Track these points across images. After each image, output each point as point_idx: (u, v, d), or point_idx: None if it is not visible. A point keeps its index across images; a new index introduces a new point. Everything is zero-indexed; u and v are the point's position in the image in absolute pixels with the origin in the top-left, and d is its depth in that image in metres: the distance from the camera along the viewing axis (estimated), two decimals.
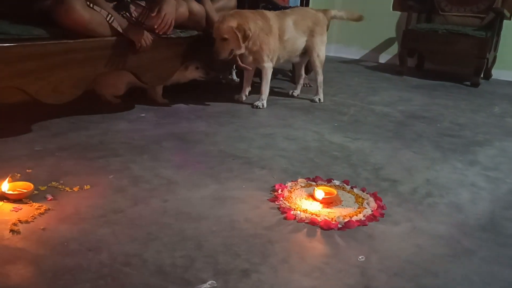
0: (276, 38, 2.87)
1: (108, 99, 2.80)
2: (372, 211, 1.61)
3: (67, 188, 1.64)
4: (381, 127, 2.67)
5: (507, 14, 4.19)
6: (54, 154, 1.96)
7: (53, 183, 1.67)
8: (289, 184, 1.79)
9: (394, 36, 5.15)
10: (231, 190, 1.72)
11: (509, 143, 2.52)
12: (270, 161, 2.03)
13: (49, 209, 1.49)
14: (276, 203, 1.63)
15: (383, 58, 5.27)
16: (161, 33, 2.40)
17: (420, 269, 1.30)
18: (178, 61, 2.67)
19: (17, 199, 1.53)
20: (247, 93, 3.03)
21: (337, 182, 1.83)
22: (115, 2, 2.36)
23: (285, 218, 1.53)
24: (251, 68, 2.95)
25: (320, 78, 3.19)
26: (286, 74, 4.16)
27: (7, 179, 1.56)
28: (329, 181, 1.85)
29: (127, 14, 2.34)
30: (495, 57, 4.50)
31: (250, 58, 2.85)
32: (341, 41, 5.46)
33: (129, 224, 1.43)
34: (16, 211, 1.46)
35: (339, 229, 1.49)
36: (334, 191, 1.69)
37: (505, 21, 4.27)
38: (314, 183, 1.81)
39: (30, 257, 1.24)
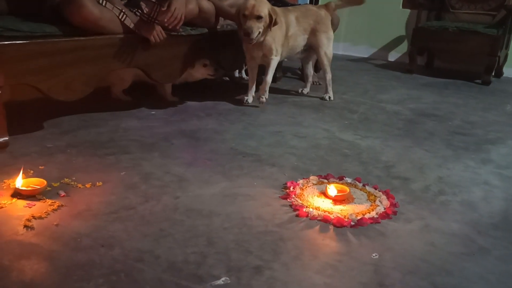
0: (283, 33, 2.84)
1: (118, 96, 2.81)
2: (384, 208, 1.60)
3: (79, 185, 1.64)
4: (391, 125, 2.65)
5: None
6: (65, 151, 1.97)
7: (66, 179, 1.68)
8: (301, 181, 1.78)
9: (403, 34, 5.12)
10: (242, 187, 1.72)
11: None
12: (281, 159, 2.03)
13: (62, 205, 1.49)
14: (288, 200, 1.63)
15: (392, 56, 5.23)
16: (170, 27, 2.39)
17: (434, 268, 1.28)
18: (188, 59, 2.67)
19: (31, 195, 1.54)
20: (254, 94, 2.96)
21: (349, 180, 1.82)
22: (126, 0, 2.37)
23: (297, 216, 1.53)
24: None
25: (329, 76, 3.16)
26: (295, 73, 4.15)
27: (20, 174, 1.57)
28: (341, 178, 1.83)
29: (139, 11, 2.34)
30: (506, 55, 4.45)
31: (260, 53, 2.80)
32: (349, 40, 5.43)
33: (141, 221, 1.44)
34: (30, 207, 1.47)
35: (351, 226, 1.48)
36: (347, 188, 1.68)
37: None
38: (325, 181, 1.80)
39: (44, 252, 1.25)
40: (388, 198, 1.68)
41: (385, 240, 1.42)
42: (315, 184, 1.77)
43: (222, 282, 1.16)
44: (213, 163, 1.94)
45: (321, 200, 1.64)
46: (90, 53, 2.13)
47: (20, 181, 1.56)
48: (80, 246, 1.28)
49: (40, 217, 1.41)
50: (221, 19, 2.89)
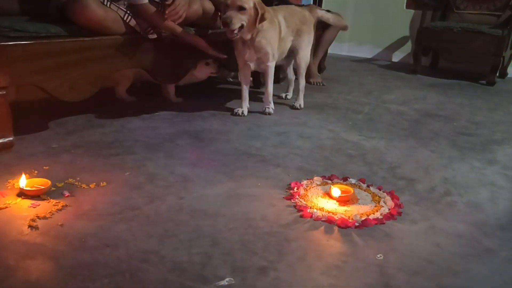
0: (278, 35, 2.63)
1: (122, 96, 2.82)
2: (389, 209, 1.59)
3: (83, 185, 1.65)
4: (396, 126, 2.64)
5: None
6: (70, 151, 1.97)
7: (70, 179, 1.68)
8: (305, 182, 1.77)
9: (407, 35, 5.11)
10: (246, 188, 1.71)
11: None
12: (285, 159, 2.02)
13: (66, 206, 1.49)
14: (292, 201, 1.62)
15: (397, 57, 5.22)
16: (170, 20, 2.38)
17: (440, 269, 1.28)
18: (192, 60, 2.67)
19: (35, 195, 1.54)
20: (248, 104, 2.72)
21: (353, 181, 1.82)
22: None
23: (301, 216, 1.52)
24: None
25: (303, 82, 2.94)
26: None
27: (23, 176, 1.57)
28: (345, 179, 1.83)
29: None
30: (511, 55, 4.43)
31: (254, 57, 2.57)
32: (354, 40, 5.43)
33: (145, 221, 1.43)
34: (34, 207, 1.48)
35: (356, 227, 1.47)
36: (351, 189, 1.67)
37: None
38: (330, 181, 1.80)
39: (49, 252, 1.25)
40: (392, 199, 1.67)
41: (390, 241, 1.41)
42: (319, 185, 1.77)
43: (227, 283, 1.16)
44: (218, 163, 1.94)
45: (325, 201, 1.63)
46: (95, 54, 2.13)
47: (24, 181, 1.56)
48: (85, 246, 1.28)
49: (44, 217, 1.42)
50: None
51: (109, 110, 2.58)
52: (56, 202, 1.51)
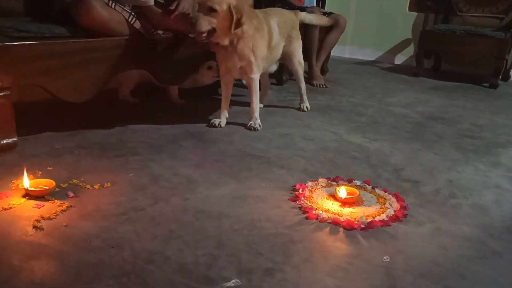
0: (266, 44, 2.42)
1: (125, 98, 2.82)
2: (395, 211, 1.58)
3: (88, 186, 1.64)
4: (399, 128, 2.64)
5: None
6: (73, 152, 1.97)
7: (74, 180, 1.67)
8: (310, 183, 1.77)
9: (410, 37, 5.10)
10: (251, 189, 1.71)
11: None
12: (289, 161, 2.02)
13: (71, 206, 1.49)
14: (297, 202, 1.62)
15: (399, 60, 5.22)
16: (175, 26, 2.33)
17: (446, 271, 1.27)
18: (195, 62, 2.67)
19: (39, 196, 1.54)
20: (227, 115, 2.53)
21: (358, 182, 1.81)
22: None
23: (306, 218, 1.52)
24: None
25: (303, 85, 2.87)
26: None
27: (25, 174, 1.57)
28: (350, 181, 1.82)
29: None
30: None
31: (237, 65, 2.35)
32: (356, 43, 5.43)
33: (150, 222, 1.43)
34: (39, 208, 1.47)
35: (362, 229, 1.46)
36: (356, 191, 1.66)
37: None
38: (335, 183, 1.79)
39: (53, 253, 1.24)
40: (398, 201, 1.67)
41: (396, 243, 1.40)
42: (324, 187, 1.76)
43: (233, 284, 1.15)
44: (222, 164, 1.93)
45: (330, 203, 1.62)
46: (99, 55, 2.13)
47: (27, 182, 1.56)
48: (89, 247, 1.28)
49: (49, 218, 1.41)
50: None
51: (112, 112, 2.58)
52: (61, 203, 1.50)
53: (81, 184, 1.65)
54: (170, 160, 1.94)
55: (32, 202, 1.51)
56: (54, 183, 1.59)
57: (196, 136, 2.27)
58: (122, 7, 2.18)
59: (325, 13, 3.92)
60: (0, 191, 1.56)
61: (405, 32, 5.12)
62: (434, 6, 4.42)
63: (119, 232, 1.36)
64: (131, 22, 2.22)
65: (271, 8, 2.72)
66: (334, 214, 1.54)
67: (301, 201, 1.62)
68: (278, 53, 2.64)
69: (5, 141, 1.87)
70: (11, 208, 1.46)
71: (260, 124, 2.47)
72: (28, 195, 1.54)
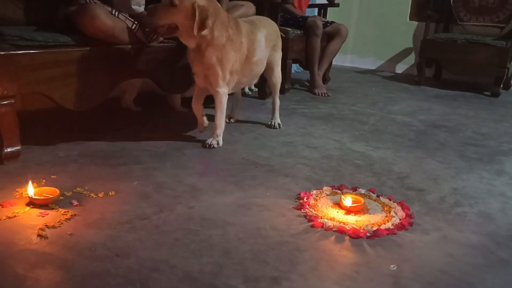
0: (242, 59, 2.26)
1: (128, 106, 2.82)
2: (400, 219, 1.57)
3: (92, 194, 1.64)
4: (402, 136, 2.64)
5: None
6: (77, 160, 1.96)
7: (78, 189, 1.67)
8: (314, 192, 1.76)
9: (411, 46, 5.13)
10: (255, 198, 1.70)
11: None
12: (293, 169, 2.01)
13: (75, 215, 1.48)
14: (302, 211, 1.61)
15: (400, 68, 5.24)
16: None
17: (454, 279, 1.26)
18: None
19: (44, 204, 1.53)
20: (206, 124, 2.41)
21: (362, 191, 1.80)
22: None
23: (312, 226, 1.51)
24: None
25: (278, 100, 2.70)
26: (304, 84, 4.15)
27: (30, 185, 1.56)
28: (354, 189, 1.82)
29: None
30: None
31: (203, 74, 2.20)
32: (357, 52, 5.46)
33: (155, 230, 1.42)
34: (43, 216, 1.46)
35: (367, 237, 1.45)
36: (361, 199, 1.66)
37: None
38: (339, 191, 1.78)
39: (58, 261, 1.23)
40: (403, 209, 1.66)
41: (402, 251, 1.39)
42: (329, 195, 1.76)
43: None
44: (225, 173, 1.93)
45: (335, 211, 1.62)
46: (102, 63, 2.13)
47: (31, 190, 1.55)
48: (94, 255, 1.27)
49: (53, 226, 1.40)
50: None
51: (115, 120, 2.58)
52: (65, 211, 1.50)
53: (85, 192, 1.65)
54: (174, 168, 1.94)
55: (36, 211, 1.50)
56: (58, 191, 1.58)
57: (199, 144, 2.27)
58: (125, 16, 2.19)
59: (326, 22, 3.95)
60: (4, 199, 1.56)
61: (406, 41, 5.15)
62: (435, 16, 4.45)
63: (124, 240, 1.35)
64: (134, 31, 2.23)
65: (258, 17, 2.59)
66: (340, 222, 1.53)
67: (306, 210, 1.61)
68: (261, 68, 2.48)
69: (9, 150, 1.87)
70: (15, 216, 1.46)
71: (220, 141, 2.27)
72: (32, 203, 1.54)
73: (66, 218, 1.46)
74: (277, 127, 2.67)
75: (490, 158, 2.32)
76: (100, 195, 1.64)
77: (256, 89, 3.60)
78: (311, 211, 1.60)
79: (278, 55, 2.60)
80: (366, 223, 1.52)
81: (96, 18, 2.04)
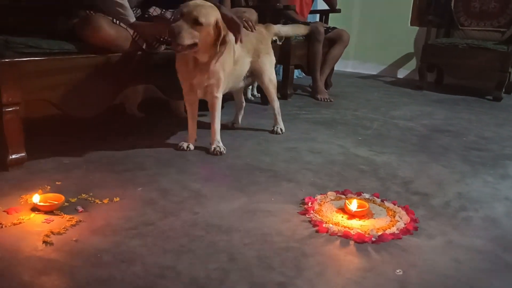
0: (232, 60, 2.23)
1: (132, 112, 2.83)
2: (405, 224, 1.57)
3: (97, 200, 1.64)
4: (405, 141, 2.64)
5: None
6: (82, 167, 1.97)
7: (83, 195, 1.67)
8: (319, 197, 1.76)
9: (412, 51, 5.14)
10: (260, 203, 1.70)
11: None
12: (297, 174, 2.01)
13: (80, 221, 1.48)
14: (307, 216, 1.61)
15: (401, 73, 5.25)
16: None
17: (462, 284, 1.25)
18: None
19: (49, 211, 1.53)
20: (196, 137, 2.34)
21: (367, 196, 1.80)
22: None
23: (317, 231, 1.51)
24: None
25: (277, 104, 2.66)
26: (306, 89, 4.16)
27: (36, 194, 1.57)
28: (358, 194, 1.81)
29: None
30: None
31: (204, 83, 2.16)
32: (358, 57, 5.48)
33: (160, 236, 1.42)
34: (48, 223, 1.46)
35: (373, 242, 1.45)
36: (366, 204, 1.65)
37: None
38: (343, 196, 1.78)
39: (64, 268, 1.23)
40: (407, 213, 1.66)
41: (408, 256, 1.39)
42: (333, 200, 1.75)
43: None
44: (230, 178, 1.93)
45: (340, 216, 1.61)
46: (106, 70, 2.14)
47: (37, 197, 1.55)
48: (100, 261, 1.27)
49: (59, 233, 1.40)
50: None
51: (119, 126, 2.59)
52: (70, 218, 1.50)
53: (90, 198, 1.65)
54: (179, 174, 1.94)
55: (42, 217, 1.50)
56: (63, 197, 1.58)
57: (203, 150, 2.27)
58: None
59: (328, 28, 3.96)
60: (9, 206, 1.56)
61: (407, 46, 5.16)
62: (436, 21, 4.46)
63: (129, 246, 1.35)
64: (136, 39, 2.23)
65: None
66: (345, 227, 1.53)
67: (311, 215, 1.61)
68: (243, 69, 2.42)
69: (13, 156, 1.88)
70: (20, 223, 1.46)
71: (224, 148, 2.25)
72: (37, 210, 1.54)
73: (71, 224, 1.46)
74: (280, 132, 2.67)
75: (494, 162, 2.32)
76: (105, 201, 1.64)
77: (259, 95, 3.61)
78: (315, 216, 1.59)
79: (263, 60, 2.51)
80: (371, 228, 1.52)
81: (99, 28, 2.05)
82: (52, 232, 1.40)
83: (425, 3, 4.98)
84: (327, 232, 1.50)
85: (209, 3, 2.03)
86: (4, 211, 1.53)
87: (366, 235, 1.48)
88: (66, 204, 1.59)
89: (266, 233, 1.47)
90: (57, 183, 1.77)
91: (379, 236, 1.48)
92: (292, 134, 2.66)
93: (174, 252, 1.33)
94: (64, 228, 1.43)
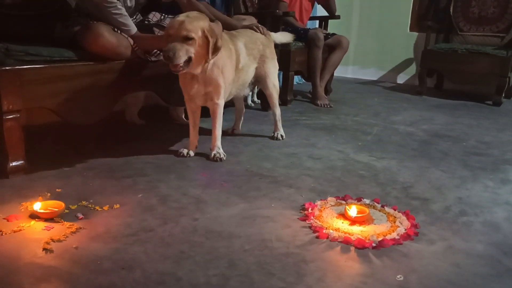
0: (233, 66, 2.24)
1: (132, 119, 2.84)
2: (405, 229, 1.57)
3: (97, 207, 1.64)
4: (405, 146, 2.64)
5: None
6: (82, 173, 1.97)
7: (83, 202, 1.67)
8: (319, 202, 1.76)
9: (412, 57, 5.16)
10: (260, 209, 1.70)
11: None
12: (297, 180, 2.01)
13: (80, 228, 1.48)
14: (307, 222, 1.61)
15: (401, 79, 5.26)
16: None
17: None
18: None
19: (49, 218, 1.53)
20: (197, 144, 2.33)
21: (367, 201, 1.80)
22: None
23: (317, 237, 1.50)
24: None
25: (278, 111, 2.66)
26: (306, 95, 4.17)
27: (37, 202, 1.57)
28: (359, 199, 1.81)
29: None
30: None
31: (202, 91, 2.16)
32: (358, 63, 5.49)
33: (160, 243, 1.42)
34: (48, 230, 1.47)
35: (373, 248, 1.45)
36: (366, 209, 1.65)
37: None
38: (344, 202, 1.78)
39: (64, 275, 1.23)
40: (408, 219, 1.65)
41: (408, 262, 1.39)
42: (333, 206, 1.75)
43: None
44: (230, 184, 1.93)
45: (340, 222, 1.61)
46: (107, 77, 2.15)
47: (38, 204, 1.56)
48: (100, 268, 1.27)
49: (59, 240, 1.40)
50: None
51: (119, 133, 2.59)
52: (70, 225, 1.50)
53: (90, 205, 1.65)
54: (178, 180, 1.94)
55: (42, 224, 1.50)
56: (63, 204, 1.58)
57: (203, 156, 2.28)
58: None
59: (327, 34, 3.97)
60: (10, 213, 1.56)
61: (407, 52, 5.17)
62: (435, 26, 4.48)
63: (129, 253, 1.35)
64: (135, 48, 2.24)
65: (238, 30, 2.51)
66: (345, 233, 1.53)
67: (311, 220, 1.61)
68: (248, 76, 2.44)
69: (14, 164, 1.88)
70: (20, 230, 1.46)
71: (224, 154, 2.25)
72: (37, 217, 1.54)
73: (72, 232, 1.46)
74: (280, 138, 2.67)
75: (494, 167, 2.32)
76: (105, 208, 1.64)
77: (259, 101, 3.62)
78: (316, 222, 1.59)
79: (269, 66, 2.53)
80: (371, 234, 1.52)
81: (100, 37, 2.06)
82: (52, 239, 1.40)
83: (424, 9, 5.00)
84: (327, 238, 1.50)
85: (194, 13, 2.02)
86: (4, 218, 1.53)
87: (367, 241, 1.47)
88: (66, 211, 1.59)
89: (266, 239, 1.47)
90: (57, 190, 1.78)
91: (379, 241, 1.48)
92: (292, 140, 2.67)
93: (174, 258, 1.33)
94: (64, 235, 1.43)
